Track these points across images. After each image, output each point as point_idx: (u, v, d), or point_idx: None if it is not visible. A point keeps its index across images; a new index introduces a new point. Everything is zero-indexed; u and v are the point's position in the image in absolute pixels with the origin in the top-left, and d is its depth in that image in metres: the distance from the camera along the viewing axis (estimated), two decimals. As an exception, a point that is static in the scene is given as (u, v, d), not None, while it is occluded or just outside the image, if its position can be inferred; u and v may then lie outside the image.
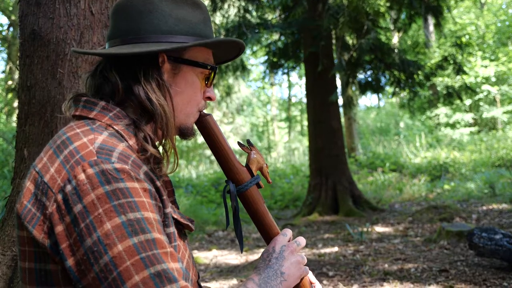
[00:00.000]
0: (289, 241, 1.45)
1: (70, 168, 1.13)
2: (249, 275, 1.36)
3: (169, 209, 1.25)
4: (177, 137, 1.45)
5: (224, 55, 1.50)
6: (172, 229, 1.25)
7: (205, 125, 1.45)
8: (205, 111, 1.47)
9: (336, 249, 6.61)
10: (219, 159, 1.47)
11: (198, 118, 1.44)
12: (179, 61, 1.34)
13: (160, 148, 1.37)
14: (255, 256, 6.59)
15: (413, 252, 6.02)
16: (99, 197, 1.08)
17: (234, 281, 5.15)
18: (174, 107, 1.33)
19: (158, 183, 1.22)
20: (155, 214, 1.14)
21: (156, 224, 1.12)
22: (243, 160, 1.52)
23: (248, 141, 1.53)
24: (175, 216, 1.29)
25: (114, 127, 1.25)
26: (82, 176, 1.11)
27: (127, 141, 1.25)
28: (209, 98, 1.44)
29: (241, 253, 1.66)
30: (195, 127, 1.46)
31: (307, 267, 1.43)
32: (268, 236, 1.48)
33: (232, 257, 6.71)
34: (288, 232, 1.47)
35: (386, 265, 5.44)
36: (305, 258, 1.42)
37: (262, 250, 6.93)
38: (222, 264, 6.32)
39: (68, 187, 1.11)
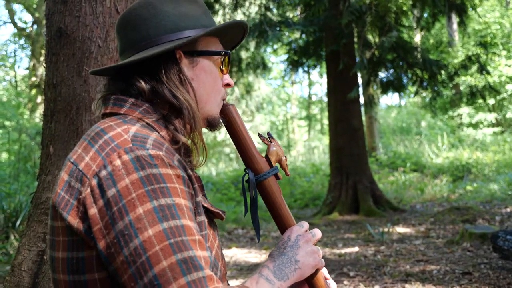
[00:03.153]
0: (305, 232, 1.45)
1: (105, 155, 1.16)
2: (265, 261, 1.36)
3: (200, 198, 1.28)
4: (205, 130, 1.49)
5: (230, 41, 1.55)
6: (203, 218, 1.27)
7: (228, 114, 1.49)
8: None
9: (356, 249, 6.56)
10: (240, 148, 1.49)
11: (221, 108, 1.47)
12: (194, 54, 1.39)
13: (190, 143, 1.39)
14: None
15: (435, 254, 5.96)
16: (133, 182, 1.11)
17: (254, 280, 5.13)
18: (198, 99, 1.38)
19: (190, 172, 1.25)
20: (186, 200, 1.16)
21: (187, 211, 1.14)
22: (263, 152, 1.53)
23: (269, 133, 1.56)
24: (206, 205, 1.31)
25: (145, 120, 1.29)
26: (117, 162, 1.14)
27: (158, 132, 1.28)
28: (228, 85, 1.48)
29: (258, 242, 1.67)
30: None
31: (322, 260, 1.43)
32: (284, 227, 1.49)
33: (251, 255, 6.71)
34: (305, 224, 1.48)
35: (408, 266, 5.39)
36: (320, 250, 1.43)
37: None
38: (242, 262, 6.32)
39: (103, 172, 1.14)
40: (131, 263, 1.06)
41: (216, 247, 1.34)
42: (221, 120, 1.47)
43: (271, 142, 1.53)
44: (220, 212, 1.37)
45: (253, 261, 6.35)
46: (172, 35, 1.36)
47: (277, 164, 1.52)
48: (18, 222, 6.23)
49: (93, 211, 1.12)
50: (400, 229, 7.82)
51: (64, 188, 1.19)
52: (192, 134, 1.38)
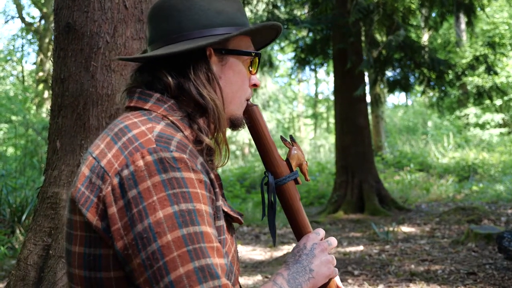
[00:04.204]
0: (321, 240, 1.44)
1: (128, 154, 1.15)
2: (278, 269, 1.35)
3: (220, 202, 1.26)
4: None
5: (262, 40, 1.52)
6: (222, 222, 1.25)
7: (251, 115, 1.47)
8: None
9: (361, 248, 6.56)
10: (261, 150, 1.48)
11: (245, 108, 1.45)
12: (225, 52, 1.35)
13: (212, 142, 1.37)
14: (279, 252, 6.58)
15: (440, 254, 5.94)
16: (155, 185, 1.10)
17: (259, 277, 5.15)
18: (224, 98, 1.35)
19: (212, 175, 1.23)
20: (207, 206, 1.15)
21: (206, 217, 1.13)
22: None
23: (291, 137, 1.53)
24: (225, 209, 1.30)
25: (170, 117, 1.27)
26: (140, 163, 1.12)
27: (182, 132, 1.26)
28: (255, 85, 1.46)
29: (274, 246, 1.66)
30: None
31: (336, 269, 1.42)
32: (300, 233, 1.47)
33: (256, 253, 6.71)
34: (321, 231, 1.46)
35: (413, 266, 5.38)
36: (335, 259, 1.41)
37: (286, 246, 6.93)
38: (247, 259, 6.32)
39: (125, 172, 1.12)
40: (148, 267, 1.06)
41: (233, 251, 1.33)
42: (243, 121, 1.45)
43: (292, 145, 1.50)
44: (239, 217, 1.36)
45: (258, 258, 6.35)
46: (205, 31, 1.32)
47: (297, 169, 1.50)
48: (24, 217, 6.26)
49: (112, 210, 1.11)
50: (405, 229, 7.80)
51: (85, 183, 1.18)
52: (216, 134, 1.36)
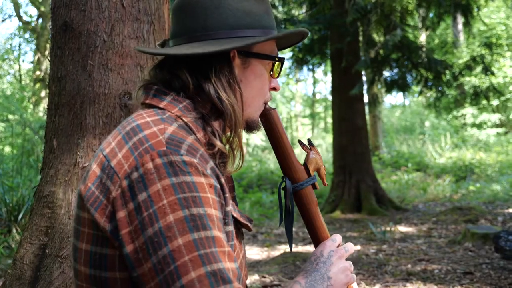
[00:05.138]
0: (337, 246, 1.42)
1: (138, 156, 1.13)
2: (295, 277, 1.34)
3: (230, 207, 1.24)
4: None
5: (286, 42, 1.50)
6: (231, 228, 1.23)
7: (269, 119, 1.45)
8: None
9: (358, 247, 6.56)
10: (279, 155, 1.46)
11: (262, 111, 1.43)
12: (249, 55, 1.33)
13: (227, 146, 1.35)
14: (276, 252, 6.58)
15: (437, 253, 5.95)
16: (165, 188, 1.08)
17: (256, 277, 5.14)
18: (243, 101, 1.32)
19: (223, 180, 1.21)
20: (217, 211, 1.13)
21: (217, 222, 1.12)
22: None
23: (309, 141, 1.51)
24: (235, 215, 1.28)
25: (183, 118, 1.25)
26: (150, 165, 1.10)
27: (195, 134, 1.24)
28: (274, 89, 1.43)
29: (291, 251, 1.64)
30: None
31: (354, 275, 1.40)
32: (317, 238, 1.46)
33: (253, 252, 6.71)
34: (338, 237, 1.45)
35: (409, 266, 5.39)
36: (352, 266, 1.40)
37: (283, 246, 6.93)
38: (244, 259, 6.31)
39: (135, 174, 1.11)
40: (159, 271, 1.04)
41: (241, 257, 1.32)
42: (259, 124, 1.43)
43: (310, 149, 1.48)
44: (249, 224, 1.34)
45: (255, 258, 6.35)
46: (231, 32, 1.29)
47: (315, 173, 1.48)
48: (20, 216, 6.24)
49: (122, 213, 1.10)
50: (402, 228, 7.81)
51: (96, 183, 1.17)
52: (231, 138, 1.33)
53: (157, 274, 1.05)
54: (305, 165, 1.46)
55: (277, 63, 1.39)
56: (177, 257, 1.04)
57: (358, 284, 4.75)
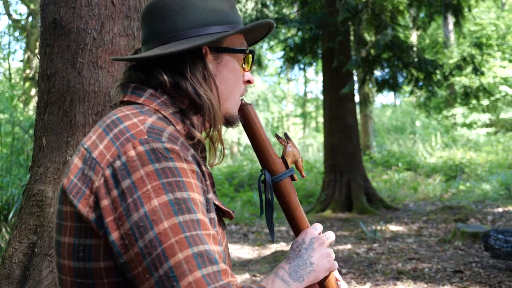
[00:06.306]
0: (319, 234, 1.45)
1: (120, 145, 1.15)
2: (279, 263, 1.37)
3: (211, 195, 1.26)
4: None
5: (254, 37, 1.54)
6: (213, 215, 1.26)
7: (246, 114, 1.48)
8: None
9: (349, 246, 6.58)
10: (257, 149, 1.49)
11: (239, 107, 1.47)
12: (220, 51, 1.37)
13: (207, 140, 1.39)
14: (267, 251, 6.58)
15: (427, 252, 5.97)
16: (148, 174, 1.10)
17: (247, 276, 5.14)
18: (220, 96, 1.36)
19: (204, 168, 1.24)
20: (200, 196, 1.16)
21: (201, 206, 1.14)
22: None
23: (285, 134, 1.55)
24: (217, 203, 1.31)
25: (162, 112, 1.28)
26: (132, 153, 1.13)
27: (174, 126, 1.27)
28: (249, 82, 1.48)
29: (273, 242, 1.67)
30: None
31: (335, 262, 1.44)
32: (298, 229, 1.49)
33: (244, 251, 6.71)
34: (318, 226, 1.48)
35: (400, 264, 5.40)
36: (333, 253, 1.44)
37: (274, 245, 6.93)
38: (235, 258, 6.32)
39: (118, 163, 1.13)
40: (146, 255, 1.06)
41: (224, 245, 1.34)
42: (238, 119, 1.46)
43: (287, 142, 1.52)
44: (230, 211, 1.37)
45: (246, 257, 6.35)
46: (200, 30, 1.34)
47: (293, 165, 1.52)
48: (10, 216, 6.20)
49: (106, 202, 1.11)
50: (393, 227, 7.84)
51: (78, 175, 1.18)
52: (210, 132, 1.37)
53: (145, 258, 1.06)
54: (283, 157, 1.50)
55: (248, 56, 1.44)
56: (164, 240, 1.05)
57: (348, 283, 4.76)
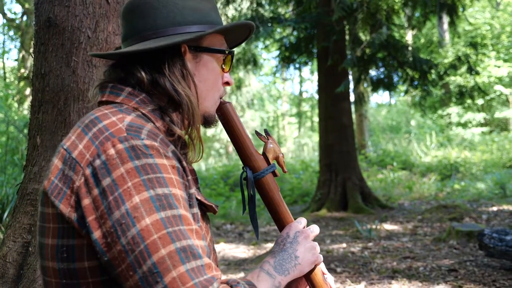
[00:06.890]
0: (303, 228, 1.46)
1: (99, 144, 1.15)
2: (264, 258, 1.38)
3: (194, 190, 1.27)
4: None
5: (235, 39, 1.54)
6: (196, 210, 1.26)
7: (225, 113, 1.48)
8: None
9: (344, 245, 6.59)
10: (237, 146, 1.50)
11: (218, 106, 1.47)
12: (199, 50, 1.38)
13: (186, 138, 1.40)
14: (262, 250, 6.58)
15: (422, 251, 5.99)
16: (129, 171, 1.11)
17: (242, 275, 5.14)
18: (198, 95, 1.37)
19: (185, 163, 1.25)
20: (182, 191, 1.17)
21: (182, 201, 1.15)
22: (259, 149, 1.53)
23: (266, 131, 1.56)
24: (199, 197, 1.31)
25: (141, 110, 1.29)
26: (111, 151, 1.13)
27: (154, 123, 1.28)
28: (227, 83, 1.48)
29: (257, 239, 1.69)
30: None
31: (321, 255, 1.44)
32: (282, 224, 1.49)
33: (239, 251, 6.71)
34: (303, 220, 1.49)
35: (395, 263, 5.41)
36: (318, 246, 1.44)
37: (269, 244, 6.93)
38: (230, 257, 6.32)
39: (97, 162, 1.13)
40: (129, 252, 1.06)
41: (209, 240, 1.34)
42: (216, 118, 1.47)
43: (268, 139, 1.53)
44: (213, 206, 1.37)
45: (241, 256, 6.34)
46: (179, 28, 1.34)
47: (274, 161, 1.53)
48: (5, 215, 6.18)
49: (87, 201, 1.11)
50: (388, 226, 7.86)
51: (58, 176, 1.18)
52: (190, 129, 1.37)
53: (128, 255, 1.06)
54: (264, 154, 1.51)
55: (228, 57, 1.44)
56: (146, 236, 1.06)
57: (343, 282, 4.77)
